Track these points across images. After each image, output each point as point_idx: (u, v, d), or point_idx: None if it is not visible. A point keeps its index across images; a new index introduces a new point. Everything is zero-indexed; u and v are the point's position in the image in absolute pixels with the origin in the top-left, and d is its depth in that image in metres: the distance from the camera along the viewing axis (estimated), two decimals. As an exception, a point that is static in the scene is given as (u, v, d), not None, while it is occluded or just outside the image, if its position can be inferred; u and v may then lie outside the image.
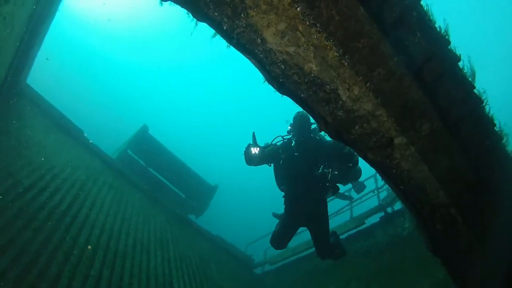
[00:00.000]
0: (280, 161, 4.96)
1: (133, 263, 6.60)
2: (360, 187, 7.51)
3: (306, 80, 2.13)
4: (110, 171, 9.62)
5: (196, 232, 11.44)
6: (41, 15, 5.92)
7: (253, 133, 4.96)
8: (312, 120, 4.66)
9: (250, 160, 4.82)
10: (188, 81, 47.45)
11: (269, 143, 5.11)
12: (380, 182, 8.89)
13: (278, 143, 5.10)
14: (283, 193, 5.20)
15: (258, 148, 4.79)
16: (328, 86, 2.12)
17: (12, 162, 5.84)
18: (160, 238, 8.63)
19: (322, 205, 5.07)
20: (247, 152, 4.83)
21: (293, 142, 4.97)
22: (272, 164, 5.11)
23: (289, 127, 5.10)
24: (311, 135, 4.94)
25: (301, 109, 4.33)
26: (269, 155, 4.86)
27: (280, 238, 5.17)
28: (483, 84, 2.36)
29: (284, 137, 5.14)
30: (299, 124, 4.90)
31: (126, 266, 6.30)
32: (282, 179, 5.13)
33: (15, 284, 4.04)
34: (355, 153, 4.21)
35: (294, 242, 6.59)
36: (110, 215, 7.36)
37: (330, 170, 4.76)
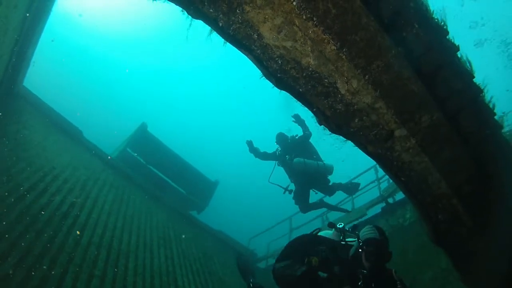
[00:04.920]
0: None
1: (137, 261, 6.62)
2: (352, 189, 7.40)
3: (304, 74, 2.11)
4: (110, 170, 9.60)
5: (198, 228, 11.45)
6: (35, 17, 5.87)
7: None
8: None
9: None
10: (186, 78, 47.30)
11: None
12: (381, 173, 8.89)
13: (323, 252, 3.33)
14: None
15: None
16: (326, 80, 2.10)
17: (11, 165, 5.82)
18: (162, 235, 8.64)
19: None
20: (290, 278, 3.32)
21: (367, 272, 3.07)
22: None
23: (364, 252, 3.06)
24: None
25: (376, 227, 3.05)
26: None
27: None
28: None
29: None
30: (381, 255, 3.05)
31: (130, 265, 6.31)
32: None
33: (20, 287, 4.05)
34: None
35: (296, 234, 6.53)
36: (111, 214, 7.36)
37: None
